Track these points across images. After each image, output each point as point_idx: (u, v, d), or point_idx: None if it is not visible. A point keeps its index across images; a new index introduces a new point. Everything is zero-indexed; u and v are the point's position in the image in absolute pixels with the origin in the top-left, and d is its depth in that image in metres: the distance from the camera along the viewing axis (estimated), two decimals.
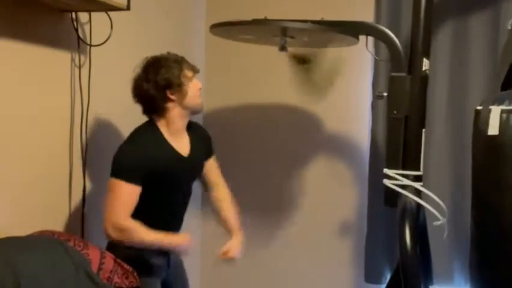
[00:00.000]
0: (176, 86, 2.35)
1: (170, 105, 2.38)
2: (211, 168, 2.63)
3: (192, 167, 2.51)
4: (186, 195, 2.55)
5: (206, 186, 2.68)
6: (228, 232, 2.59)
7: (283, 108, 3.41)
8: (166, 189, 2.41)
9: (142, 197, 2.32)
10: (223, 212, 2.64)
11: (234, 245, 2.55)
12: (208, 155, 2.61)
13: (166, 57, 2.40)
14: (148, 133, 2.39)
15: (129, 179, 2.27)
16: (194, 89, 2.41)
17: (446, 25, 3.06)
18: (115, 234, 2.27)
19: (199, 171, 2.58)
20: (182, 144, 2.45)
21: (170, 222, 2.51)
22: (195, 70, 2.45)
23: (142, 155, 2.31)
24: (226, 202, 2.65)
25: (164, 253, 2.46)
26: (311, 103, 3.32)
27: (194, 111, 2.46)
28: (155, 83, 2.34)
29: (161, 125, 2.40)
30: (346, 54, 3.12)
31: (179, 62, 2.40)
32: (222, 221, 2.64)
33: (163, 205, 2.43)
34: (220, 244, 2.51)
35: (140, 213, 2.32)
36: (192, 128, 2.51)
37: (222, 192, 2.67)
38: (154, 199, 2.36)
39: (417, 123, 2.65)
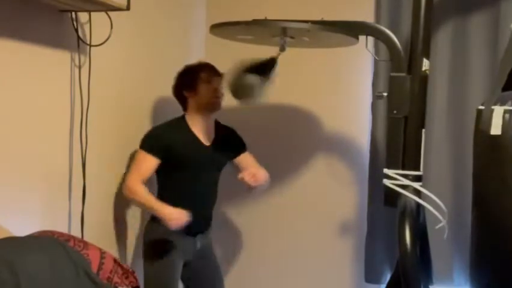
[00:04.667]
0: (190, 86, 2.82)
1: (188, 101, 2.85)
2: (245, 159, 2.99)
3: (211, 157, 2.86)
4: (208, 183, 2.89)
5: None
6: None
7: (283, 108, 3.41)
8: (186, 170, 2.77)
9: (166, 174, 2.77)
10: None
11: (256, 171, 2.76)
12: (235, 152, 2.98)
13: (191, 64, 2.91)
14: (175, 120, 2.87)
15: (149, 150, 2.72)
16: (206, 89, 2.82)
17: (446, 25, 3.06)
18: (125, 193, 2.71)
19: (219, 163, 2.92)
20: (205, 136, 2.86)
21: (196, 207, 2.73)
22: (216, 74, 2.86)
23: (163, 132, 2.78)
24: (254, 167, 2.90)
25: (192, 236, 2.82)
26: (309, 103, 3.33)
27: (208, 109, 2.84)
28: (178, 85, 2.87)
29: (188, 118, 2.85)
30: (346, 54, 3.12)
31: (198, 66, 2.88)
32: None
33: (186, 187, 2.78)
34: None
35: (167, 192, 2.79)
36: (222, 129, 2.95)
37: (252, 167, 2.89)
38: (177, 178, 2.76)
39: (417, 123, 2.65)
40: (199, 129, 2.84)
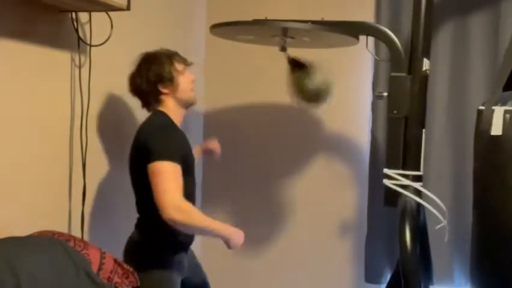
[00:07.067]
0: (168, 80, 2.43)
1: (164, 97, 2.45)
2: None
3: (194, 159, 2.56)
4: (195, 187, 2.56)
5: None
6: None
7: (284, 108, 3.41)
8: (190, 173, 2.44)
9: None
10: None
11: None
12: None
13: (158, 53, 2.48)
14: (166, 119, 2.44)
15: (172, 158, 2.28)
16: (186, 82, 2.48)
17: (446, 25, 3.06)
18: (177, 215, 2.20)
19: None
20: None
21: None
22: (187, 63, 2.51)
23: (173, 137, 2.37)
24: None
25: (186, 249, 2.50)
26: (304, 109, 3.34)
27: (187, 104, 2.51)
28: (147, 78, 2.44)
29: (171, 116, 2.45)
30: (346, 54, 3.12)
31: (170, 56, 2.47)
32: None
33: (190, 191, 2.42)
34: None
35: None
36: None
37: None
38: (185, 183, 2.33)
39: (417, 123, 2.65)
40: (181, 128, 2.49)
